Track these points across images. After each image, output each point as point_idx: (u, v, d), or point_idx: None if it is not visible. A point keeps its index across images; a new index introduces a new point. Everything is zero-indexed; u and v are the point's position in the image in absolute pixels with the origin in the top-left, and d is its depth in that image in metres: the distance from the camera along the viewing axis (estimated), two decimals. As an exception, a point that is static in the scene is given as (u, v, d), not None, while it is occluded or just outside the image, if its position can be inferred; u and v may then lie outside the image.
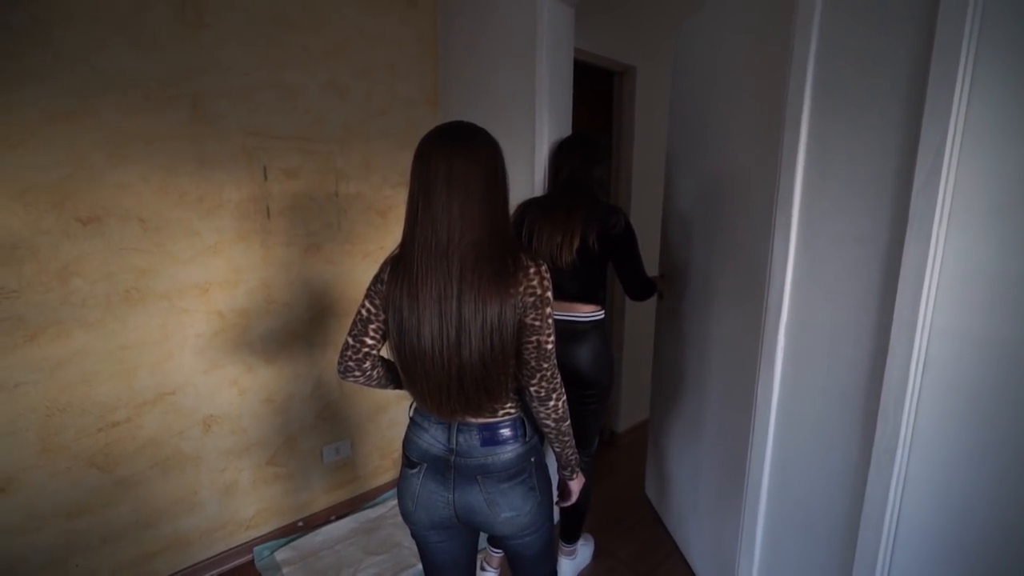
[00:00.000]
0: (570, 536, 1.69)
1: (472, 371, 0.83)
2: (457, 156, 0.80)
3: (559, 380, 0.91)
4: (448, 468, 0.91)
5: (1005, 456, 0.87)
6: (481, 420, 0.90)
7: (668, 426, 1.93)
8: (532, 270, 0.84)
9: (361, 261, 1.95)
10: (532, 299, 0.84)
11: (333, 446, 1.98)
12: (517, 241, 0.89)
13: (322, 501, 2.00)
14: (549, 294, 0.85)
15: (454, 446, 0.91)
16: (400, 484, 0.98)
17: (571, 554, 1.71)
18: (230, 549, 1.76)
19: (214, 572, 1.72)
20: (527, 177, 1.72)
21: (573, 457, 1.01)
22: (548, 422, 0.94)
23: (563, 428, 0.95)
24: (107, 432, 1.47)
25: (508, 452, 0.91)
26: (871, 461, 1.01)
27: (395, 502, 2.10)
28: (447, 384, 0.84)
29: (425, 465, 0.93)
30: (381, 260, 1.99)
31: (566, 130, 1.74)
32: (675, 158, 1.86)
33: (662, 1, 2.50)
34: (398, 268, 0.85)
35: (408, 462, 0.97)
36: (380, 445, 2.14)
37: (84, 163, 1.34)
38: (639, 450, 2.57)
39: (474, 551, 1.09)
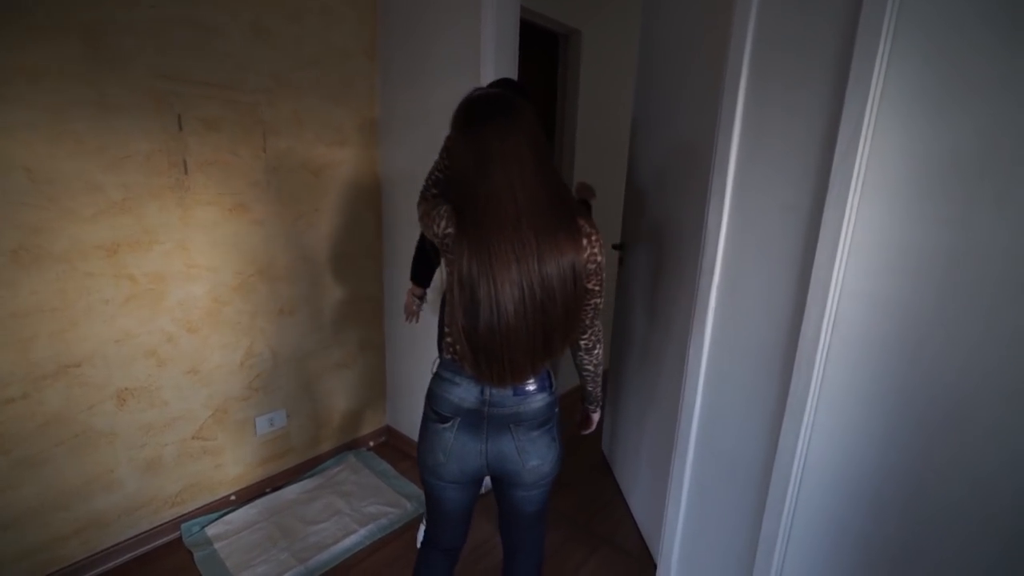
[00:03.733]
0: None
1: (559, 326, 0.88)
2: (505, 131, 0.83)
3: (602, 332, 1.05)
4: (482, 419, 0.95)
5: (897, 405, 0.99)
6: None
7: (621, 385, 2.02)
8: (594, 238, 0.91)
9: (294, 223, 1.84)
10: (594, 267, 0.92)
11: (267, 417, 1.90)
12: (575, 203, 0.92)
13: (256, 473, 1.92)
14: (603, 260, 0.94)
15: (487, 397, 0.94)
16: (427, 439, 1.00)
17: None
18: (154, 528, 1.67)
19: (138, 551, 1.63)
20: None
21: (600, 394, 1.15)
22: (589, 367, 1.08)
23: (599, 371, 1.10)
24: (0, 409, 1.32)
25: (538, 401, 0.96)
26: (785, 412, 1.12)
27: (336, 471, 2.06)
28: (533, 348, 0.87)
29: (459, 419, 0.96)
30: (316, 223, 1.91)
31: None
32: (638, 127, 1.88)
33: (608, -36, 2.46)
34: (467, 245, 0.84)
35: (439, 417, 0.98)
36: (318, 414, 2.08)
37: (-50, 100, 1.14)
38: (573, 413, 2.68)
39: (476, 499, 1.13)
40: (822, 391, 1.07)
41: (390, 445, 2.33)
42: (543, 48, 2.51)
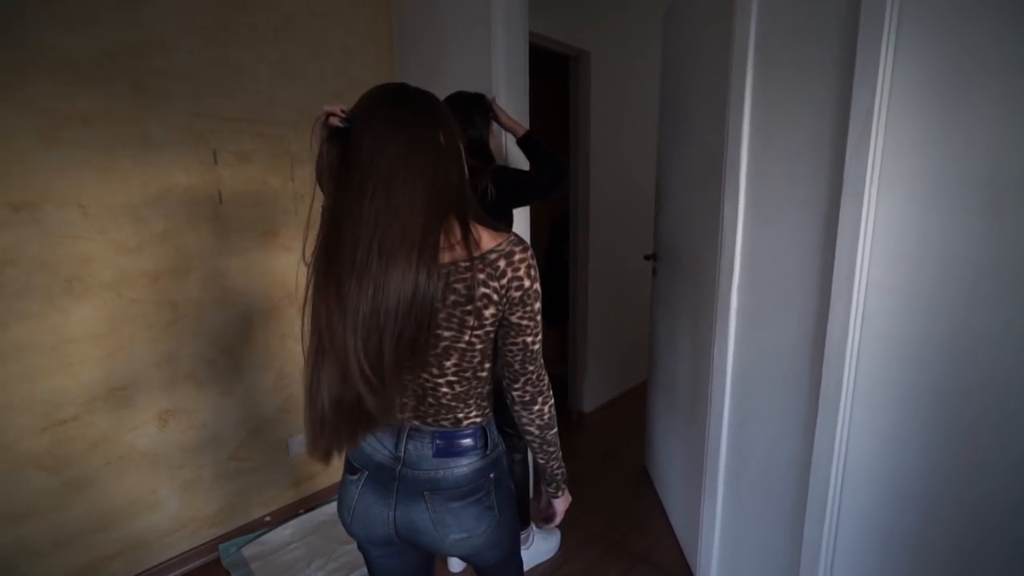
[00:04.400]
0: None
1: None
2: (379, 139, 0.66)
3: (546, 382, 0.81)
4: (392, 479, 0.78)
5: (934, 401, 0.95)
6: (439, 427, 0.77)
7: (657, 396, 2.00)
8: (518, 256, 0.70)
9: (321, 248, 1.91)
10: (519, 294, 0.70)
11: (299, 438, 1.94)
12: (469, 213, 0.71)
13: (290, 495, 1.96)
14: (537, 286, 0.72)
15: (401, 454, 0.77)
16: (340, 490, 0.85)
17: (522, 542, 1.65)
18: (193, 548, 1.71)
19: (178, 572, 1.66)
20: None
21: (559, 471, 0.87)
22: (532, 428, 0.82)
23: (548, 437, 0.83)
24: (53, 431, 1.39)
25: (464, 466, 0.77)
26: (818, 411, 1.09)
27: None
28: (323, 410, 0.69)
29: (367, 473, 0.80)
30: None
31: (524, 110, 1.75)
32: (663, 141, 1.92)
33: (615, -14, 2.54)
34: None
35: (349, 466, 0.83)
36: (348, 435, 2.11)
37: (12, 144, 1.26)
38: (607, 428, 2.65)
39: (426, 564, 0.94)
40: (856, 389, 1.04)
41: (419, 465, 2.34)
42: (555, 70, 2.59)
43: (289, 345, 1.86)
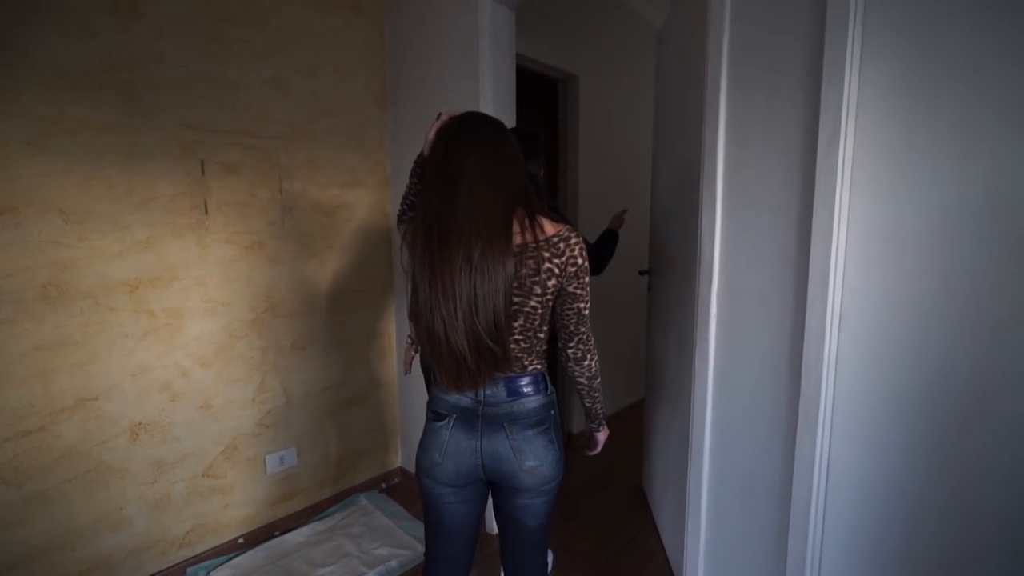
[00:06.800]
0: None
1: (489, 332, 0.86)
2: (464, 148, 0.87)
3: (593, 342, 1.01)
4: (476, 417, 0.96)
5: (914, 403, 0.95)
6: (508, 374, 0.95)
7: (655, 415, 1.96)
8: (573, 240, 0.91)
9: (308, 260, 1.91)
10: (574, 269, 0.92)
11: (277, 455, 1.89)
12: (536, 209, 0.92)
13: (265, 515, 1.88)
14: (587, 264, 0.94)
15: (482, 399, 0.96)
16: (425, 439, 1.02)
17: None
18: (160, 571, 1.62)
19: (142, 597, 1.58)
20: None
21: (601, 411, 1.10)
22: (582, 380, 1.03)
23: (595, 385, 1.04)
24: (16, 442, 1.34)
25: (532, 402, 0.97)
26: (799, 417, 1.07)
27: (346, 513, 2.01)
28: (476, 352, 0.87)
29: (455, 415, 0.97)
30: (329, 261, 1.98)
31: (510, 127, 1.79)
32: (657, 159, 1.96)
33: (601, 11, 2.64)
34: (417, 256, 0.88)
35: (435, 415, 1.00)
36: (329, 453, 2.06)
37: (-2, 149, 1.26)
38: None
39: (480, 521, 1.10)
40: (836, 393, 1.04)
41: (403, 488, 2.27)
42: (544, 95, 2.66)
43: (271, 358, 1.83)
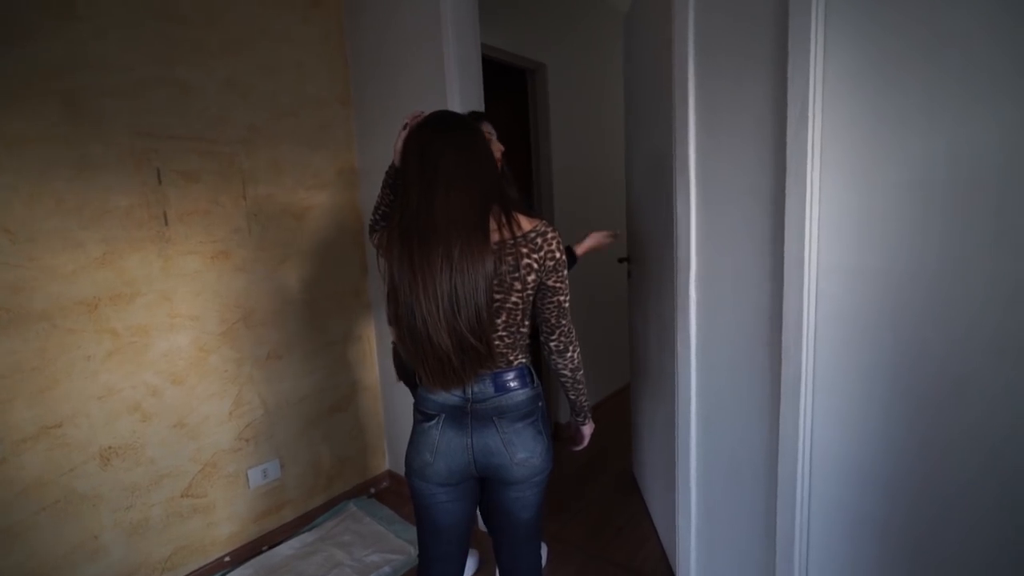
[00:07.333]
0: None
1: (473, 329, 0.87)
2: (437, 148, 0.88)
3: (575, 334, 1.03)
4: (465, 415, 0.97)
5: (893, 380, 0.96)
6: (495, 370, 0.96)
7: (641, 401, 1.97)
8: (550, 235, 0.93)
9: (278, 267, 1.85)
10: (552, 263, 0.93)
11: (260, 468, 1.83)
12: (513, 206, 0.93)
13: (251, 530, 1.83)
14: (564, 257, 0.96)
15: (470, 395, 0.96)
16: (415, 440, 1.02)
17: None
18: (144, 598, 1.57)
19: (125, 626, 1.53)
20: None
21: (586, 404, 1.11)
22: (565, 372, 1.04)
23: (578, 376, 1.06)
24: (-23, 477, 1.27)
25: (520, 395, 0.98)
26: (780, 397, 1.08)
27: (336, 522, 1.97)
28: (459, 350, 0.88)
29: (444, 415, 0.98)
30: (301, 265, 1.92)
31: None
32: (629, 145, 1.94)
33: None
34: (395, 257, 0.88)
35: (424, 416, 1.01)
36: (313, 463, 2.01)
37: (-71, 168, 1.18)
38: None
39: (472, 518, 1.11)
40: (816, 372, 1.05)
41: (393, 491, 2.24)
42: (513, 86, 2.62)
43: (247, 370, 1.78)
